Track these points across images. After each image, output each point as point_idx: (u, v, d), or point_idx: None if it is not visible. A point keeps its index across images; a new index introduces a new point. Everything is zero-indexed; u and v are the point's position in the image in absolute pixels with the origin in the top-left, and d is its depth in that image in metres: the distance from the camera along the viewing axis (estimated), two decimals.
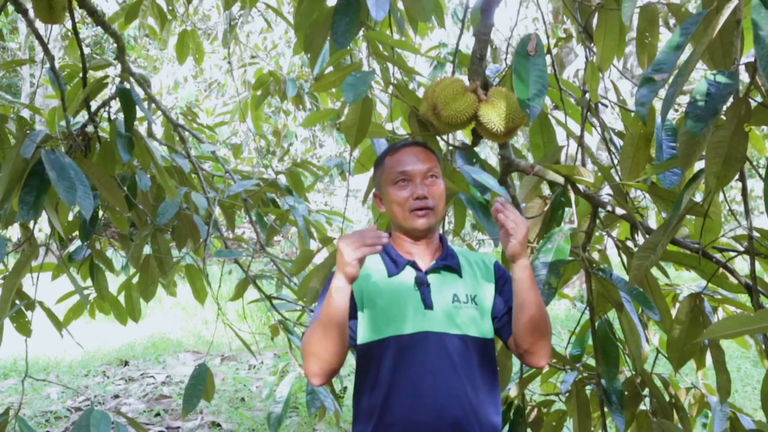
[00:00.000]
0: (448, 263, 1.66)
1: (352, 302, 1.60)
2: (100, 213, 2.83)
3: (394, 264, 1.65)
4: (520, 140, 7.90)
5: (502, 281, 1.70)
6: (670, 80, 1.19)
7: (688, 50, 1.25)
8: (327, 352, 1.51)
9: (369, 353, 1.61)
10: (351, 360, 1.72)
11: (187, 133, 3.52)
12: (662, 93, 1.22)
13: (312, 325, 1.54)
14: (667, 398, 2.16)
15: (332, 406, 2.78)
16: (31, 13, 2.43)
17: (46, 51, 2.38)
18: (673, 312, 1.91)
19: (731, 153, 1.25)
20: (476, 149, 2.13)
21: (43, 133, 2.01)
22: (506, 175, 2.04)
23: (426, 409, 1.53)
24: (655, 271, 1.88)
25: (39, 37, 2.42)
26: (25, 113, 7.60)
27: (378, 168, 1.74)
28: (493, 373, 1.67)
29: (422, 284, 1.62)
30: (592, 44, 2.10)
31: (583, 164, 2.08)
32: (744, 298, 1.90)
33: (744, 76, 1.45)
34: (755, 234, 1.63)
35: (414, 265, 1.65)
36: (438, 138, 2.07)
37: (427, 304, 1.59)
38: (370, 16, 1.90)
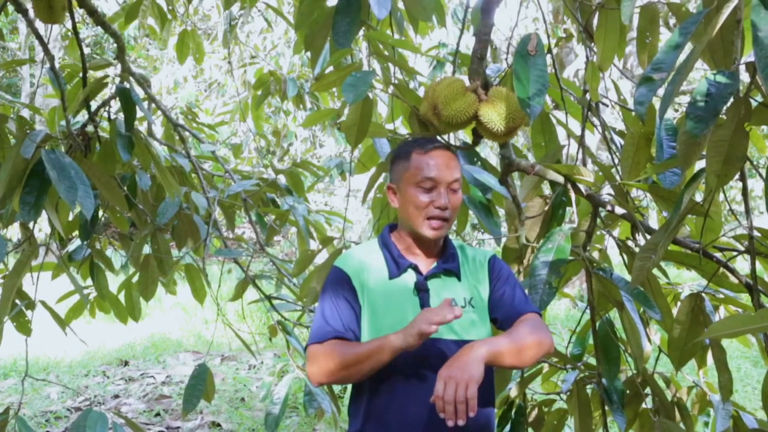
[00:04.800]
0: (448, 267, 1.65)
1: (356, 302, 1.61)
2: (100, 213, 2.83)
3: (396, 265, 1.63)
4: (520, 140, 7.90)
5: (496, 280, 1.68)
6: (669, 79, 1.19)
7: (688, 50, 1.25)
8: (344, 379, 1.54)
9: None
10: None
11: (187, 133, 3.51)
12: (662, 92, 1.22)
13: (346, 351, 1.51)
14: (669, 397, 2.16)
15: (329, 407, 2.77)
16: (31, 13, 2.43)
17: (46, 51, 2.38)
18: (674, 311, 1.91)
19: (732, 152, 1.25)
20: (476, 149, 2.13)
21: (43, 133, 2.01)
22: (507, 174, 2.04)
23: (423, 415, 1.54)
24: (655, 270, 1.88)
25: (39, 37, 2.42)
26: (25, 113, 7.59)
27: (401, 160, 1.67)
28: (488, 370, 1.67)
29: (422, 290, 1.61)
30: (593, 44, 2.09)
31: (584, 164, 2.08)
32: (745, 297, 1.90)
33: (744, 76, 1.45)
34: (756, 233, 1.63)
35: (415, 268, 1.64)
36: (438, 138, 2.07)
37: None
38: (371, 15, 1.90)
